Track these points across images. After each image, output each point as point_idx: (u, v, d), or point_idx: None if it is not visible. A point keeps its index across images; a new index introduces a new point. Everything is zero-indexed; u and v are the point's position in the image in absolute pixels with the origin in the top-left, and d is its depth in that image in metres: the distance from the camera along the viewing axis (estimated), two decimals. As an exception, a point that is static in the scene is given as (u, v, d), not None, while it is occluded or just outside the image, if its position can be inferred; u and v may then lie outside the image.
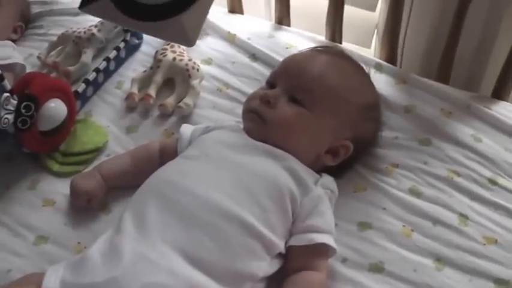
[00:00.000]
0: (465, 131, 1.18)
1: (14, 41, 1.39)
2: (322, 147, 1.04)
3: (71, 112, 1.15)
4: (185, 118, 1.21)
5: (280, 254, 0.94)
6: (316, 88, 1.04)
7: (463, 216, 1.05)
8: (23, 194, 1.10)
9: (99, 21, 1.37)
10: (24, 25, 1.45)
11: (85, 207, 1.06)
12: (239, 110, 1.19)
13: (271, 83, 1.09)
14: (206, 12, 0.83)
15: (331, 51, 1.16)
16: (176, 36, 0.81)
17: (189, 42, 0.81)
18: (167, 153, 1.08)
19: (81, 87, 1.23)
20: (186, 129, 1.11)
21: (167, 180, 0.96)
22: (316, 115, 1.02)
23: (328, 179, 1.02)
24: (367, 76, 1.14)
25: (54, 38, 1.37)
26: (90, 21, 1.38)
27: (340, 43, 1.38)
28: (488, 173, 1.11)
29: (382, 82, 1.26)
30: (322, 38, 1.40)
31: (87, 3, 0.82)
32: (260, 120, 1.02)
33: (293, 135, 1.02)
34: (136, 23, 0.80)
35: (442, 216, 1.05)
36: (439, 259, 1.00)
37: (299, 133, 1.02)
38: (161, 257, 0.85)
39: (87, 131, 1.19)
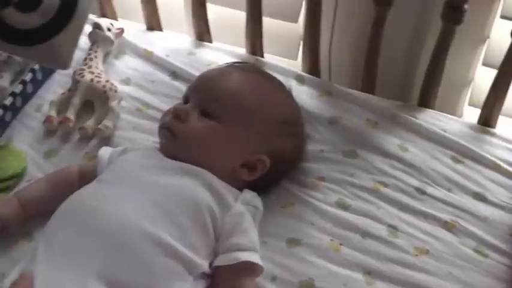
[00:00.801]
0: (391, 141, 1.17)
1: None
2: (235, 160, 1.02)
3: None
4: (106, 140, 1.18)
5: (204, 274, 0.91)
6: (226, 100, 1.03)
7: (393, 228, 1.04)
8: None
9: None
10: None
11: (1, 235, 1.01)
12: (159, 130, 1.17)
13: (185, 99, 1.08)
14: (79, 33, 0.85)
15: (246, 67, 1.15)
16: (51, 60, 0.83)
17: (64, 65, 0.84)
18: (86, 177, 1.05)
19: (-2, 113, 1.19)
20: (105, 151, 1.08)
21: (80, 205, 0.93)
22: (227, 128, 1.01)
23: (249, 195, 1.00)
24: (284, 91, 1.13)
25: (-33, 63, 1.32)
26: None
27: (262, 56, 1.37)
28: (415, 182, 1.11)
29: (305, 94, 1.25)
30: (243, 51, 1.38)
31: None
32: (171, 136, 1.01)
33: (204, 149, 1.01)
34: (15, 48, 0.81)
35: (371, 228, 1.03)
36: (369, 272, 0.98)
37: (210, 147, 1.01)
38: (75, 284, 0.82)
39: (7, 157, 1.15)
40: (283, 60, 1.39)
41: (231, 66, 1.15)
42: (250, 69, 1.15)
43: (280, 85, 1.13)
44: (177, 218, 0.90)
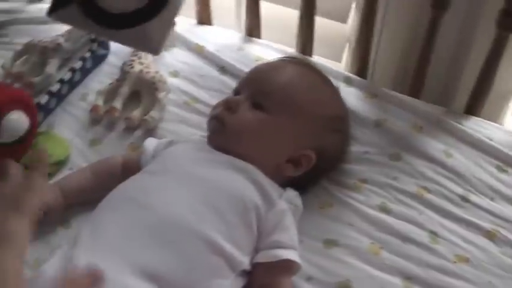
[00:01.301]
0: (436, 146, 1.17)
1: None
2: (282, 155, 1.02)
3: (33, 124, 1.12)
4: (151, 132, 1.19)
5: (244, 271, 0.92)
6: (278, 93, 1.03)
7: (434, 234, 1.03)
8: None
9: (65, 31, 1.34)
10: None
11: (41, 221, 1.01)
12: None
13: (236, 91, 1.08)
14: (172, 21, 0.83)
15: (299, 62, 1.15)
16: (142, 44, 0.82)
17: (155, 50, 0.83)
18: (130, 168, 1.06)
19: (44, 98, 1.20)
20: (150, 143, 1.09)
21: (128, 196, 0.94)
22: (277, 121, 1.01)
23: (292, 193, 1.00)
24: (333, 88, 1.12)
25: (19, 47, 1.34)
26: (56, 30, 1.35)
27: (311, 56, 1.37)
28: (459, 190, 1.10)
29: (351, 96, 1.25)
30: (292, 50, 1.38)
31: (55, 9, 0.81)
32: (220, 126, 1.01)
33: (252, 141, 1.01)
34: (104, 30, 0.80)
35: (412, 233, 1.03)
36: (409, 278, 0.97)
37: (258, 139, 1.01)
38: (117, 272, 0.82)
39: (49, 144, 1.16)
40: (327, 62, 1.39)
41: (284, 60, 1.15)
42: (303, 64, 1.15)
43: (330, 82, 1.13)
44: (225, 215, 0.90)
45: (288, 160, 1.02)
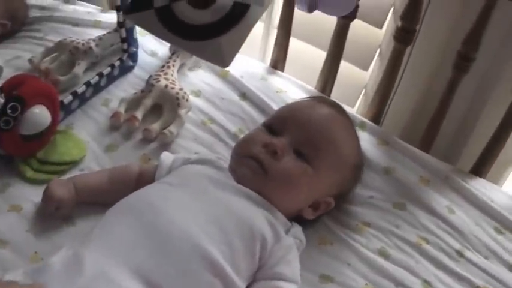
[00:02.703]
0: (440, 201, 1.19)
1: None
2: (308, 202, 1.04)
3: (54, 121, 1.14)
4: (165, 146, 1.21)
5: None
6: (323, 146, 1.03)
7: (427, 283, 1.05)
8: (-9, 196, 1.08)
9: (97, 36, 1.38)
10: (10, 24, 1.42)
11: (51, 215, 1.04)
12: (218, 146, 1.21)
13: (273, 129, 1.05)
14: (244, 37, 0.85)
15: (333, 104, 1.15)
16: (212, 56, 0.84)
17: (224, 63, 0.84)
18: (144, 178, 1.07)
19: (67, 98, 1.22)
20: (167, 157, 1.10)
21: (147, 201, 0.95)
22: (319, 174, 1.02)
23: (298, 229, 1.02)
24: (356, 134, 1.15)
25: (50, 44, 1.37)
26: (88, 34, 1.39)
27: (329, 96, 1.39)
28: (457, 245, 1.12)
29: (364, 141, 1.27)
30: (312, 88, 1.41)
31: (132, 11, 0.84)
32: (261, 171, 0.99)
33: (291, 191, 1.01)
34: (177, 39, 0.83)
35: (406, 280, 1.05)
36: (398, 322, 0.99)
37: (298, 190, 1.01)
38: (121, 277, 0.83)
39: (67, 143, 1.18)
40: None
41: (319, 101, 1.15)
42: (336, 107, 1.15)
43: (354, 128, 1.15)
44: (232, 238, 0.91)
45: (310, 205, 1.04)
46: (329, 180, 1.04)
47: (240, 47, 0.85)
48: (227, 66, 0.85)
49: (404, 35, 1.24)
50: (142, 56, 1.41)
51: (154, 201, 0.94)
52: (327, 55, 1.35)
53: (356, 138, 1.13)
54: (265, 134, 1.04)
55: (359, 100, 1.50)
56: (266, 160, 0.99)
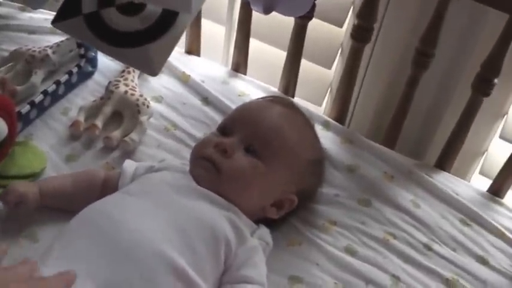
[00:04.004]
0: (405, 196, 1.20)
1: None
2: (269, 200, 1.03)
3: (12, 133, 1.12)
4: (128, 154, 1.19)
5: None
6: (273, 141, 1.03)
7: (396, 278, 1.04)
8: None
9: (54, 43, 1.35)
10: None
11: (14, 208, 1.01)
12: (184, 152, 1.19)
13: (224, 130, 1.07)
14: (173, 45, 0.85)
15: (285, 103, 1.16)
16: (142, 64, 0.83)
17: (153, 71, 0.83)
18: (109, 185, 1.06)
19: (25, 108, 1.20)
20: (129, 165, 1.09)
21: (104, 213, 0.93)
22: (271, 168, 1.02)
23: (264, 231, 1.02)
24: (314, 131, 1.15)
25: (6, 54, 1.34)
26: (45, 41, 1.37)
27: (293, 97, 1.40)
28: (424, 238, 1.12)
29: (328, 140, 1.27)
30: (275, 89, 1.41)
31: (60, 19, 0.83)
32: (214, 169, 1.00)
33: (246, 188, 1.01)
34: (106, 46, 0.82)
35: (375, 276, 1.04)
36: (367, 320, 0.98)
37: (252, 186, 1.01)
38: (81, 286, 0.81)
39: (26, 154, 1.15)
40: (307, 104, 1.42)
41: (272, 101, 1.16)
42: (290, 106, 1.16)
43: (311, 124, 1.15)
44: (194, 243, 0.90)
45: (273, 204, 1.04)
46: (285, 176, 1.03)
47: (169, 55, 0.86)
48: (156, 74, 0.85)
49: (361, 33, 1.25)
50: (102, 60, 1.39)
51: (112, 213, 0.92)
52: (287, 55, 1.35)
53: (311, 134, 1.13)
54: (217, 136, 1.06)
55: (326, 99, 1.50)
56: (217, 159, 1.00)
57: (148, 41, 0.80)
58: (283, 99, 1.25)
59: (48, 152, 1.17)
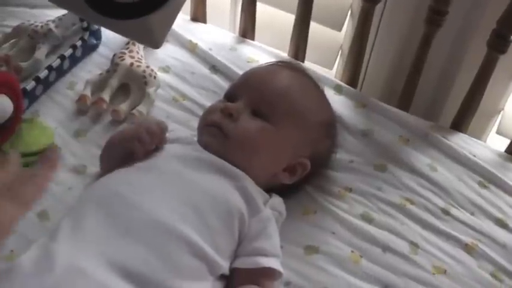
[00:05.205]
0: (422, 160, 1.17)
1: None
2: (281, 164, 1.02)
3: (18, 110, 1.10)
4: (137, 126, 1.17)
5: (223, 275, 0.90)
6: (280, 102, 1.01)
7: (414, 245, 1.03)
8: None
9: (57, 17, 1.33)
10: None
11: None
12: (194, 122, 1.16)
13: (230, 97, 1.06)
14: (175, 15, 0.82)
15: (292, 67, 1.14)
16: (143, 37, 0.81)
17: (156, 44, 0.81)
18: None
19: (30, 84, 1.18)
20: None
21: (112, 191, 0.91)
22: (280, 130, 1.00)
23: (277, 200, 1.00)
24: (324, 93, 1.13)
25: (8, 30, 1.32)
26: (47, 15, 1.34)
27: (303, 61, 1.37)
28: (441, 203, 1.11)
29: (341, 104, 1.25)
30: (285, 54, 1.38)
31: None
32: (221, 135, 0.99)
33: (255, 151, 0.99)
34: (104, 19, 0.79)
35: (393, 243, 1.03)
36: (387, 287, 0.97)
37: (262, 149, 1.00)
38: (96, 270, 0.80)
39: (33, 132, 1.14)
40: (318, 68, 1.39)
41: (278, 65, 1.14)
42: (297, 69, 1.14)
43: (319, 87, 1.13)
44: (208, 218, 0.89)
45: (285, 169, 1.02)
46: (295, 138, 1.02)
47: (170, 26, 0.82)
48: (158, 47, 0.82)
49: (371, -8, 1.21)
50: (106, 33, 1.36)
51: (119, 190, 0.91)
52: (296, 18, 1.32)
53: (321, 96, 1.11)
54: (223, 102, 1.04)
55: (337, 62, 1.47)
56: (224, 124, 0.99)
57: (148, 11, 0.76)
58: (289, 63, 1.23)
59: (56, 127, 1.16)
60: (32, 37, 1.28)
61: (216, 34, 1.42)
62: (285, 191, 1.03)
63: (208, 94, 1.26)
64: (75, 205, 0.92)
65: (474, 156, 1.20)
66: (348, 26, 1.41)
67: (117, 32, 0.84)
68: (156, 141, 0.99)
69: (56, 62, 1.24)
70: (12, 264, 0.84)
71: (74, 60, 1.29)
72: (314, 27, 1.34)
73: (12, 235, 0.96)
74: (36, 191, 0.88)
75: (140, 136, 0.97)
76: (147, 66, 1.24)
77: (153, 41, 0.80)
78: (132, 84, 1.23)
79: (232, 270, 0.91)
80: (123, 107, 1.18)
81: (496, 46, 1.17)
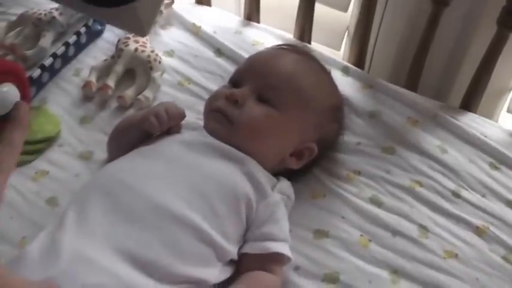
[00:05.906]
0: (431, 141, 1.16)
1: None
2: (288, 150, 1.01)
3: (24, 98, 1.09)
4: (143, 112, 1.16)
5: (232, 261, 0.90)
6: (285, 87, 1.00)
7: (424, 228, 1.02)
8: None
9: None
10: None
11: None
12: (200, 106, 1.15)
13: (235, 82, 1.04)
14: (160, 2, 0.80)
15: (298, 50, 1.12)
16: (129, 24, 0.78)
17: (143, 31, 0.78)
18: None
19: (36, 72, 1.18)
20: None
21: (116, 178, 0.91)
22: (286, 116, 0.99)
23: (285, 184, 0.99)
24: (331, 77, 1.12)
25: (13, 18, 1.32)
26: (51, 3, 1.32)
27: (309, 43, 1.35)
28: (451, 185, 1.09)
29: (348, 86, 1.23)
30: (290, 36, 1.37)
31: None
32: (227, 121, 0.98)
33: (261, 137, 0.99)
34: (91, 8, 0.76)
35: (402, 227, 1.02)
36: (396, 271, 0.97)
37: (268, 135, 0.99)
38: (102, 257, 0.80)
39: (40, 119, 1.14)
40: (326, 50, 1.37)
41: (283, 49, 1.13)
42: (302, 52, 1.13)
43: (327, 70, 1.12)
44: (214, 203, 0.88)
45: (292, 154, 1.01)
46: (301, 123, 1.01)
47: (157, 13, 0.80)
48: (146, 34, 0.80)
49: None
50: (110, 18, 1.35)
51: (123, 178, 0.90)
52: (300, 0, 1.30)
53: (327, 80, 1.10)
54: (229, 88, 1.03)
55: (343, 44, 1.46)
56: (229, 110, 0.99)
57: None
58: (295, 46, 1.21)
59: (62, 115, 1.16)
60: (36, 25, 1.28)
61: (220, 17, 1.41)
62: (293, 175, 1.02)
63: (213, 78, 1.25)
64: (80, 193, 0.91)
65: (485, 136, 1.18)
66: (354, 6, 1.39)
67: (104, 21, 0.82)
68: (172, 123, 0.99)
69: (60, 49, 1.24)
70: (20, 252, 0.85)
71: (79, 47, 1.29)
72: (319, 8, 1.32)
73: (24, 222, 0.98)
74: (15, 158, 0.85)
75: (158, 112, 0.98)
76: (152, 51, 1.23)
77: (140, 29, 0.78)
78: (138, 69, 1.22)
79: (241, 255, 0.91)
80: (129, 92, 1.18)
81: (506, 23, 1.14)
